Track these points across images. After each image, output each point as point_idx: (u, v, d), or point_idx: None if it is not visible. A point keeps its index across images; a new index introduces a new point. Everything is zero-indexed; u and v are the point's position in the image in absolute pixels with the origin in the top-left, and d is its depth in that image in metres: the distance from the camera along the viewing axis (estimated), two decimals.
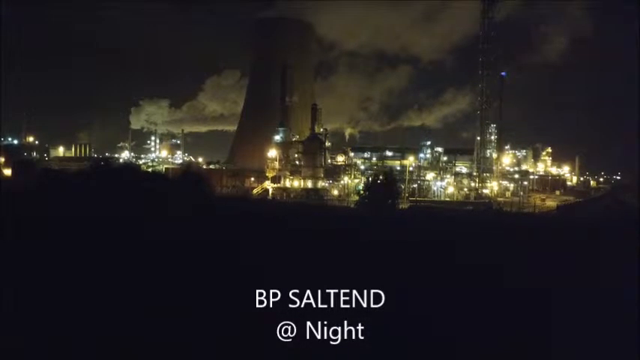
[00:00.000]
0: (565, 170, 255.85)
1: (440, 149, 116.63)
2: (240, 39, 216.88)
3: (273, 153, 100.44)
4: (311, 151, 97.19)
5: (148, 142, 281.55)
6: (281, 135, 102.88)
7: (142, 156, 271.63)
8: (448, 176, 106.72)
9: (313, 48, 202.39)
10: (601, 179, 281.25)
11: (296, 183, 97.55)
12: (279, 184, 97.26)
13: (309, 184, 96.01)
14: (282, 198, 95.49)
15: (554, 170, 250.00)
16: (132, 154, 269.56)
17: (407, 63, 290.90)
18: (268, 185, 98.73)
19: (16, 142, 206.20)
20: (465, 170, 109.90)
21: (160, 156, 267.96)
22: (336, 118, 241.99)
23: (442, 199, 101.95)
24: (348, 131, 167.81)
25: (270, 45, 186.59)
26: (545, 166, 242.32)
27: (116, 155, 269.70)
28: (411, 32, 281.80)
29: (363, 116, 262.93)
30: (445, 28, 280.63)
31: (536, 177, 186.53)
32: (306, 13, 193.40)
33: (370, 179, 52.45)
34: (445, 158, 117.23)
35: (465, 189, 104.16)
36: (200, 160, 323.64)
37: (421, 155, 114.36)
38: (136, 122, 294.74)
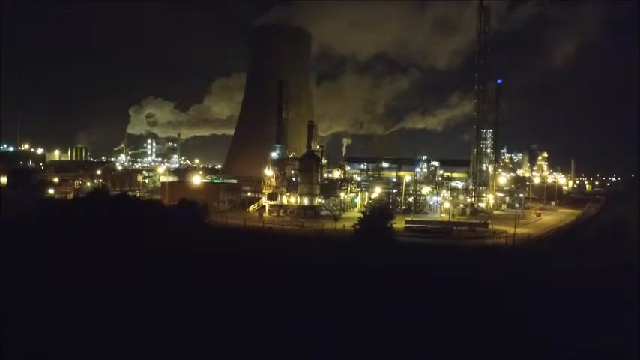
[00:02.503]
0: (561, 176, 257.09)
1: (436, 163, 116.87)
2: (240, 43, 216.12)
3: (269, 173, 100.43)
4: (307, 168, 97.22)
5: (145, 145, 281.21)
6: (277, 152, 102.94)
7: (139, 160, 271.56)
8: (444, 191, 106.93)
9: (311, 54, 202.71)
10: (597, 182, 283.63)
11: (292, 200, 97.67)
12: (275, 202, 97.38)
13: (306, 201, 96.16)
14: (279, 214, 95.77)
15: (550, 176, 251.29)
16: (128, 157, 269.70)
17: (409, 68, 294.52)
18: (265, 202, 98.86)
19: (11, 148, 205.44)
20: (460, 185, 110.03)
21: (157, 160, 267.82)
22: (337, 121, 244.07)
23: (438, 214, 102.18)
24: (345, 142, 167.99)
25: (267, 51, 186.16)
26: (541, 171, 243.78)
27: (112, 159, 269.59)
28: (413, 39, 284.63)
29: (366, 119, 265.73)
30: (447, 35, 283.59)
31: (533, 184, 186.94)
32: (306, 20, 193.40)
33: (366, 212, 52.61)
34: (441, 172, 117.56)
35: (461, 205, 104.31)
36: (197, 161, 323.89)
37: (417, 169, 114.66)
38: (136, 123, 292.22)
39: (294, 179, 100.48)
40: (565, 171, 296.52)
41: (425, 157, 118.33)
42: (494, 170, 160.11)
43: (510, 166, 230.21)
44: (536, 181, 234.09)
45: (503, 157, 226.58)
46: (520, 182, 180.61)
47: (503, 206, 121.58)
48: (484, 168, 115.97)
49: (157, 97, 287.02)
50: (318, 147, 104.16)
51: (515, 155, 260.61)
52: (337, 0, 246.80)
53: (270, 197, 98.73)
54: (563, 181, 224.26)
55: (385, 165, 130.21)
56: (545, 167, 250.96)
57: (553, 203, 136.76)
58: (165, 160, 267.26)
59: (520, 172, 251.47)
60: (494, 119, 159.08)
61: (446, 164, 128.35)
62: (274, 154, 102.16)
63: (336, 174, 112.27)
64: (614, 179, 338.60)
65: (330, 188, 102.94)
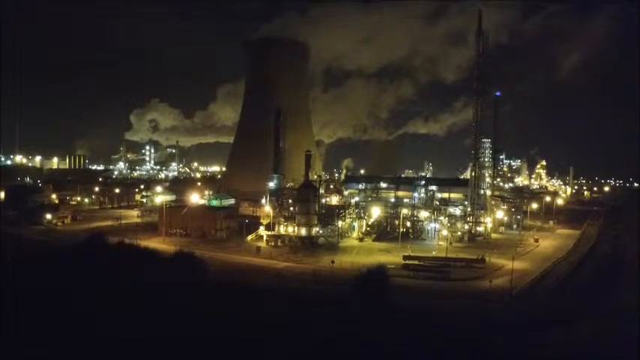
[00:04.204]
0: (560, 183, 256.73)
1: (434, 187, 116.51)
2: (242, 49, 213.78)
3: (267, 208, 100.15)
4: (305, 198, 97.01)
5: (143, 151, 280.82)
6: (275, 182, 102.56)
7: (137, 168, 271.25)
8: (442, 218, 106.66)
9: (310, 66, 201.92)
10: (595, 188, 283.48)
11: (290, 229, 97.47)
12: (273, 232, 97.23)
13: (303, 231, 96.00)
14: (277, 244, 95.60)
15: (549, 183, 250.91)
16: (126, 165, 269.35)
17: (412, 77, 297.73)
18: (263, 232, 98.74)
19: (9, 162, 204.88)
20: (458, 212, 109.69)
21: (155, 168, 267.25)
22: (340, 127, 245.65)
23: (436, 241, 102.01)
24: (345, 163, 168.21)
25: (265, 64, 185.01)
26: (539, 179, 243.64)
27: (111, 167, 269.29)
28: (416, 51, 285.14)
29: (369, 124, 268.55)
30: (450, 46, 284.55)
31: (529, 194, 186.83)
32: (305, 32, 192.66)
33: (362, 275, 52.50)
34: (439, 195, 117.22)
35: (459, 232, 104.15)
36: (195, 164, 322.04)
37: (415, 194, 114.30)
38: (138, 128, 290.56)
39: (291, 208, 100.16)
40: (563, 174, 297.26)
41: (423, 182, 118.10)
42: (492, 179, 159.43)
43: (509, 175, 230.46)
44: (535, 187, 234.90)
45: (501, 165, 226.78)
46: (518, 193, 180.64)
47: (501, 228, 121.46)
48: (482, 192, 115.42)
49: (161, 102, 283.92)
50: (315, 177, 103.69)
51: (514, 161, 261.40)
52: (338, 12, 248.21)
53: (268, 227, 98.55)
54: (561, 192, 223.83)
55: (383, 185, 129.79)
56: (543, 175, 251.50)
57: (551, 222, 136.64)
58: (164, 168, 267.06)
59: (519, 180, 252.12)
60: (492, 131, 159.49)
61: (444, 184, 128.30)
62: (272, 184, 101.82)
63: (334, 199, 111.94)
64: (612, 182, 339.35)
65: (328, 216, 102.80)
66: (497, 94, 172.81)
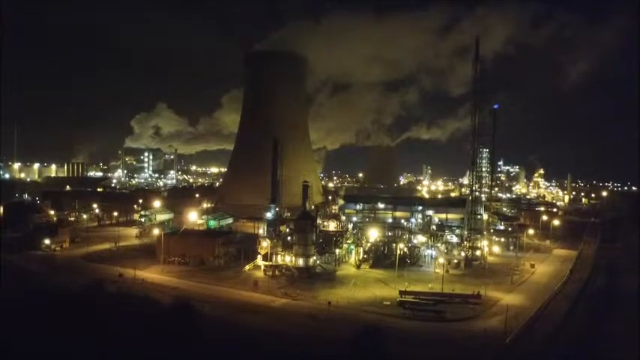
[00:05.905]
0: (556, 189, 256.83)
1: (430, 212, 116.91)
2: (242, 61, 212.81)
3: (265, 243, 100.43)
4: (302, 229, 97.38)
5: (142, 157, 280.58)
6: (272, 212, 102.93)
7: (135, 176, 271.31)
8: (439, 244, 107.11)
9: (306, 78, 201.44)
10: (593, 194, 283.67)
11: (287, 258, 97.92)
12: (270, 262, 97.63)
13: (300, 261, 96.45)
14: (275, 274, 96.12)
15: (546, 191, 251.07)
16: (124, 171, 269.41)
17: (416, 86, 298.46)
18: (260, 262, 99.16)
19: (7, 176, 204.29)
20: (455, 239, 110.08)
21: (154, 175, 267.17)
22: (343, 133, 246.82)
23: (433, 268, 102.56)
24: (343, 188, 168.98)
25: (263, 77, 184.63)
26: (537, 187, 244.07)
27: (109, 175, 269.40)
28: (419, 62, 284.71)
29: (372, 129, 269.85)
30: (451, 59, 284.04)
31: (527, 206, 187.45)
32: (303, 44, 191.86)
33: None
34: (437, 220, 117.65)
35: (455, 260, 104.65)
36: (194, 167, 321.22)
37: (412, 220, 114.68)
38: (140, 134, 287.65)
39: (289, 238, 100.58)
40: (561, 179, 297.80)
41: (420, 207, 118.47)
42: (490, 189, 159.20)
43: (507, 184, 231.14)
44: (533, 195, 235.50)
45: (499, 172, 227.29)
46: (516, 204, 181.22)
47: (498, 250, 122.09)
48: (479, 217, 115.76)
49: (168, 107, 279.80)
50: (312, 207, 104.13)
51: (513, 168, 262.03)
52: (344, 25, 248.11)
53: (266, 257, 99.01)
54: (558, 202, 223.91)
55: (381, 205, 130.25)
56: (541, 183, 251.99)
57: (547, 241, 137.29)
58: (162, 175, 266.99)
59: (517, 188, 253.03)
60: (490, 142, 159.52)
61: (441, 205, 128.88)
62: (269, 215, 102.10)
63: (332, 225, 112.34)
64: (610, 185, 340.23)
65: (326, 243, 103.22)
66: (495, 106, 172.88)
